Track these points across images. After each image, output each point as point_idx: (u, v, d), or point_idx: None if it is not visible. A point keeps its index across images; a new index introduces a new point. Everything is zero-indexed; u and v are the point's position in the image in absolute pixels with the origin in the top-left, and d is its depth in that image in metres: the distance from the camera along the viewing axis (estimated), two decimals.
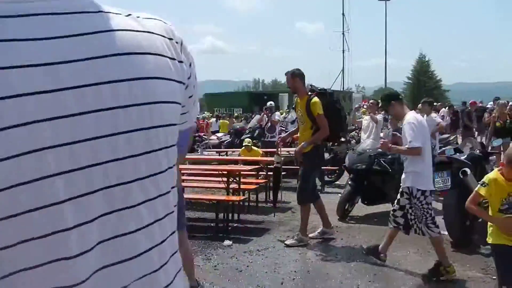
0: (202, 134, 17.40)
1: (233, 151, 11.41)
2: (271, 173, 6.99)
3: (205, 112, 27.78)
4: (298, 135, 5.74)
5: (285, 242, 5.53)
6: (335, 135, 5.80)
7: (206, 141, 15.27)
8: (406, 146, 4.36)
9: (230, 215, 6.46)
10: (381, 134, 8.71)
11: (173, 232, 0.90)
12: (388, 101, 4.73)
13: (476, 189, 3.25)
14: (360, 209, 6.91)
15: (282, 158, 6.36)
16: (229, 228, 6.23)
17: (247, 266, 4.79)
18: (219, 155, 11.31)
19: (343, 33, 48.84)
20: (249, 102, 31.63)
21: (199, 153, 13.68)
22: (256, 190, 7.53)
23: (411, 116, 4.47)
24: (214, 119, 21.85)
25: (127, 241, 0.78)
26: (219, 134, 16.72)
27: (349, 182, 6.61)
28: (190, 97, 0.94)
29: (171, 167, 0.87)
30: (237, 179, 6.60)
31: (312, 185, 5.63)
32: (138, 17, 0.84)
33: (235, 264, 4.86)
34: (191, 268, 3.90)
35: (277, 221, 6.58)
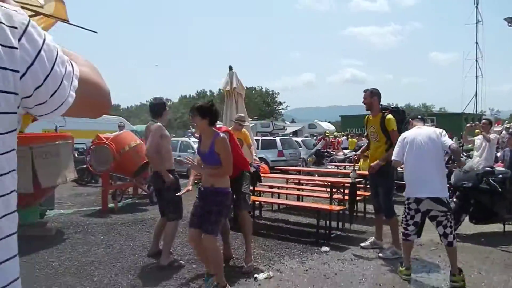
0: (331, 150, 17.50)
1: (351, 166, 11.18)
2: None
3: (336, 132, 27.67)
4: (369, 151, 5.63)
5: (379, 254, 5.28)
6: None
7: (332, 157, 15.29)
8: None
9: (333, 223, 6.36)
10: (498, 154, 7.86)
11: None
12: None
13: None
14: (469, 227, 6.23)
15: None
16: (332, 235, 6.14)
17: (335, 274, 4.61)
18: (337, 168, 11.19)
19: (476, 60, 48.28)
20: None
21: (325, 166, 13.82)
22: (365, 201, 7.44)
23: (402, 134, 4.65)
24: (345, 137, 21.76)
25: None
26: (346, 151, 16.58)
27: (454, 200, 5.99)
28: (38, 87, 0.80)
29: None
30: (341, 190, 6.52)
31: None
32: None
33: (325, 271, 4.71)
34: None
35: None
